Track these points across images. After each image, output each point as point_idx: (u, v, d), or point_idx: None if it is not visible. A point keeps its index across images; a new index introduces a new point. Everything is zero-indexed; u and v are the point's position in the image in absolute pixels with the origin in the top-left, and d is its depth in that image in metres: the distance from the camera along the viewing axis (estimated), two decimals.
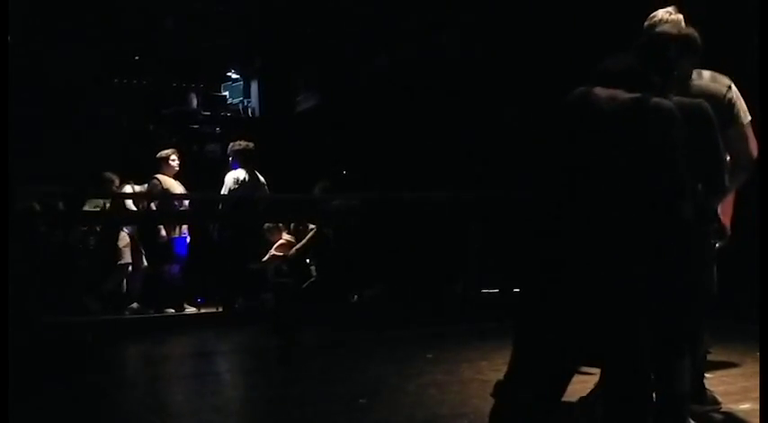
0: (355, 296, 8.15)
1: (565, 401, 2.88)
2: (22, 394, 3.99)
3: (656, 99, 2.69)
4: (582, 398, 3.22)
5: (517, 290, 3.03)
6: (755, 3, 3.77)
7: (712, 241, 3.25)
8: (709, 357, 3.71)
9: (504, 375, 2.80)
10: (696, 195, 2.78)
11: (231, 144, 8.36)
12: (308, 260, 7.64)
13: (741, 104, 3.40)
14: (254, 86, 12.48)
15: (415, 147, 9.50)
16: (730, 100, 3.36)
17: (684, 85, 3.26)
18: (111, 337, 6.67)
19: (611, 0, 6.76)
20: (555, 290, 2.69)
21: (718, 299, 3.29)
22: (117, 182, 8.16)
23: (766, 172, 3.40)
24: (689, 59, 3.30)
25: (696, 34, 3.36)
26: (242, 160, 8.12)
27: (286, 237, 7.99)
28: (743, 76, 3.52)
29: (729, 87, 3.40)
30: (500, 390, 2.77)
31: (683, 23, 3.45)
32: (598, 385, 2.89)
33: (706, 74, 3.44)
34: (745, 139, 3.38)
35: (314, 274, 7.54)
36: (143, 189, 8.12)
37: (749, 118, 3.42)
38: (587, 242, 2.61)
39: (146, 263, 8.12)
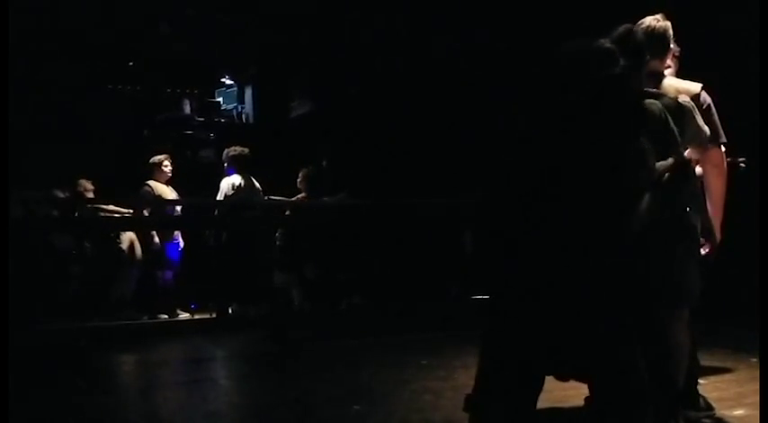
0: (345, 303, 8.17)
1: (557, 407, 2.86)
2: (14, 400, 3.97)
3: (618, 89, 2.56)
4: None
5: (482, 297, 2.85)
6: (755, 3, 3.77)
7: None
8: (703, 363, 3.72)
9: (473, 388, 2.67)
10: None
11: (227, 150, 8.35)
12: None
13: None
14: (248, 92, 12.45)
15: (409, 153, 9.50)
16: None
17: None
18: (103, 343, 6.65)
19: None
20: (523, 298, 2.58)
21: (694, 297, 3.16)
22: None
23: (765, 174, 3.39)
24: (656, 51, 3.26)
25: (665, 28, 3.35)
26: (238, 166, 8.12)
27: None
28: (742, 76, 3.51)
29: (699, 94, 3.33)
30: (471, 404, 2.65)
31: (670, 31, 3.45)
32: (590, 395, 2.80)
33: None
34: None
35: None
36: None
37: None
38: (556, 248, 2.49)
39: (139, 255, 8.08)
